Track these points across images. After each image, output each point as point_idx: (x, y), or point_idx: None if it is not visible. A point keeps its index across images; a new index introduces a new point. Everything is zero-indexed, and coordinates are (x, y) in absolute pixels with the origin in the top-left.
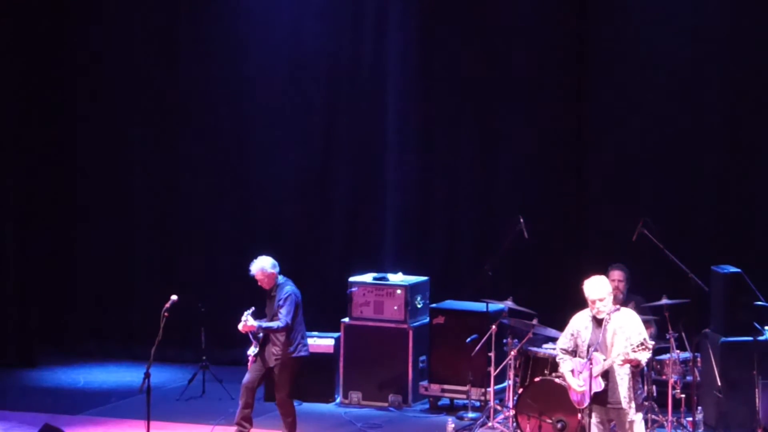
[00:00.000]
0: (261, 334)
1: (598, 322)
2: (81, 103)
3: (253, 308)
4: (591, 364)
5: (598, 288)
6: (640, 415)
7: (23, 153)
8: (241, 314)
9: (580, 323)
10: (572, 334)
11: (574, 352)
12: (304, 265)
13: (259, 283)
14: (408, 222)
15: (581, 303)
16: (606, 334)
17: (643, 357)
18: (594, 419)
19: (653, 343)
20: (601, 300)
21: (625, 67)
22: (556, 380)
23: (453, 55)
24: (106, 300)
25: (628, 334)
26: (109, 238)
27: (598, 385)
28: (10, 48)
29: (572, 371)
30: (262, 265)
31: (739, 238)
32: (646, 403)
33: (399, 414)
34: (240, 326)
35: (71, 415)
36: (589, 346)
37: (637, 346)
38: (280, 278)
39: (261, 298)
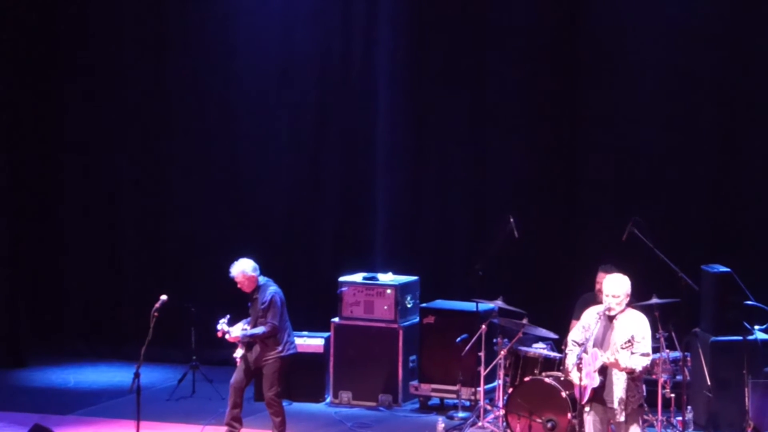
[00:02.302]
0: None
1: (608, 319)
2: (70, 103)
3: (228, 316)
4: (582, 361)
5: (617, 285)
6: (636, 427)
7: (13, 152)
8: (226, 317)
9: (591, 318)
10: (584, 327)
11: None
12: (295, 265)
13: (239, 286)
14: (398, 222)
15: (572, 302)
16: (612, 332)
17: (637, 363)
18: (592, 417)
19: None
20: (615, 297)
21: (616, 67)
22: (546, 380)
23: (444, 54)
24: (96, 300)
25: (630, 335)
26: (99, 238)
27: (595, 380)
28: None
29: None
30: (243, 268)
31: (729, 238)
32: (646, 408)
33: (389, 414)
34: (226, 337)
35: (61, 415)
36: (593, 341)
37: (625, 343)
38: (261, 279)
39: (246, 299)
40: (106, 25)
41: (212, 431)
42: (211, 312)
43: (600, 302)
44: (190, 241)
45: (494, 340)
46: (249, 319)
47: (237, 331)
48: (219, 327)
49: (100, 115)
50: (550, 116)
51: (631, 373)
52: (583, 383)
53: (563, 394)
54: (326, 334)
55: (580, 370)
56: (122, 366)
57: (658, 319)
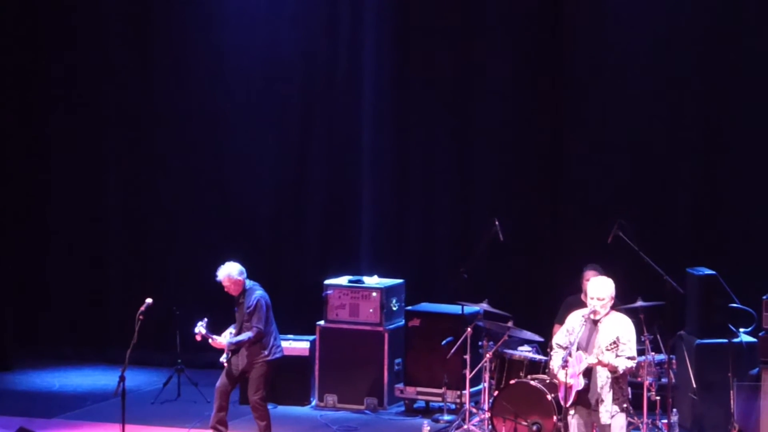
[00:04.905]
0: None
1: (593, 322)
2: (55, 105)
3: (206, 319)
4: (567, 363)
5: (602, 288)
6: (622, 422)
7: None
8: (204, 320)
9: (576, 321)
10: (568, 330)
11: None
12: (280, 268)
13: (225, 290)
14: (383, 224)
15: (557, 305)
16: (596, 335)
17: (621, 363)
18: (577, 420)
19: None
20: (600, 299)
21: (601, 68)
22: (532, 383)
23: (428, 57)
24: (81, 303)
25: (614, 337)
26: (84, 241)
27: (579, 383)
28: None
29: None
30: (229, 272)
31: (714, 240)
32: (631, 410)
33: (374, 417)
34: (210, 342)
35: (46, 419)
36: (577, 344)
37: (610, 344)
38: (248, 283)
39: (232, 302)
40: (91, 25)
41: None
42: (197, 315)
43: (585, 305)
44: (176, 244)
45: (479, 343)
46: (234, 325)
47: (224, 338)
48: (197, 330)
49: (85, 116)
50: (534, 118)
51: (614, 371)
52: (568, 384)
53: (548, 396)
54: (311, 338)
55: (564, 369)
56: (107, 369)
57: (644, 322)
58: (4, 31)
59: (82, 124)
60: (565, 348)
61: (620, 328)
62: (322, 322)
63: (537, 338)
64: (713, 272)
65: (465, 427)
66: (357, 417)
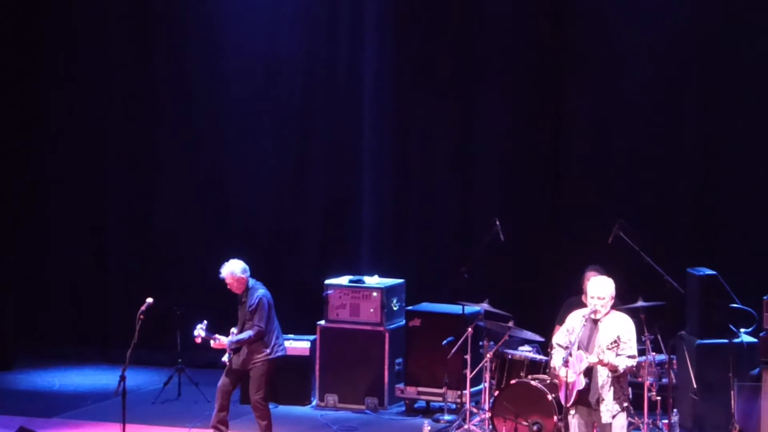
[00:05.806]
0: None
1: (593, 322)
2: (56, 104)
3: (206, 321)
4: (568, 363)
5: (602, 287)
6: (623, 421)
7: None
8: (204, 322)
9: (576, 320)
10: (568, 330)
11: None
12: (281, 268)
13: (228, 287)
14: (384, 224)
15: (557, 305)
16: (597, 334)
17: (621, 362)
18: (577, 419)
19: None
20: (600, 298)
21: (601, 70)
22: (532, 383)
23: (429, 57)
24: (82, 302)
25: (615, 336)
26: (85, 240)
27: (580, 382)
28: None
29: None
30: (232, 269)
31: (715, 240)
32: (631, 410)
33: (375, 417)
34: (212, 344)
35: (46, 418)
36: (578, 344)
37: (611, 344)
38: (251, 281)
39: (235, 303)
40: (91, 25)
41: None
42: (197, 315)
43: (585, 306)
44: (176, 244)
45: (480, 343)
46: (237, 326)
47: (225, 338)
48: (196, 333)
49: (85, 116)
50: (534, 119)
51: (614, 370)
52: (569, 384)
53: (549, 396)
54: (312, 337)
55: (565, 369)
56: (108, 369)
57: (644, 322)
58: (4, 31)
59: (82, 124)
60: (566, 348)
61: (621, 327)
62: (322, 322)
63: (537, 338)
64: (714, 272)
65: (465, 426)
66: (357, 417)
